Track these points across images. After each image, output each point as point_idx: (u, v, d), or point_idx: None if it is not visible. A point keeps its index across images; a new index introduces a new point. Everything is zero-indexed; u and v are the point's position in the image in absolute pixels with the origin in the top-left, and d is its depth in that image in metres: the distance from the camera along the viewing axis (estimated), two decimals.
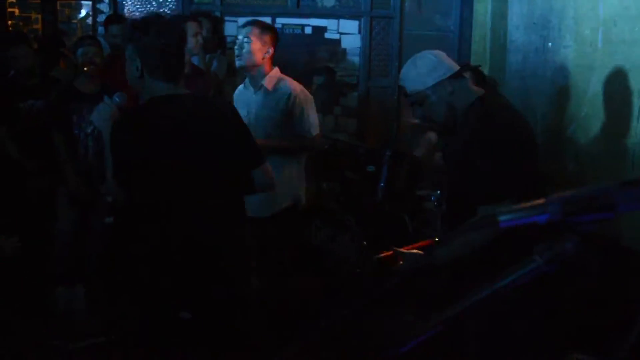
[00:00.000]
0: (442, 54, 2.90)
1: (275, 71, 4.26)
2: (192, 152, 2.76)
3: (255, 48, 4.13)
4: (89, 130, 4.92)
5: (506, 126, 2.71)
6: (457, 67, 2.86)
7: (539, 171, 2.84)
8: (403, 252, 2.85)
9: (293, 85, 4.24)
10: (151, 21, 2.85)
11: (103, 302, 4.89)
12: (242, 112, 4.06)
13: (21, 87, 5.27)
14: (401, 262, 2.84)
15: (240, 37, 4.19)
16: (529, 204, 0.83)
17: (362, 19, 6.70)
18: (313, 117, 4.29)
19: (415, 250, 2.85)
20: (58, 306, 4.89)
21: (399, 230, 5.06)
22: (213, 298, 2.80)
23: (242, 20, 6.48)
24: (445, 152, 3.26)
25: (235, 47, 4.22)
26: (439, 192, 4.84)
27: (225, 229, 2.86)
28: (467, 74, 2.98)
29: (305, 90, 4.33)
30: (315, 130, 4.30)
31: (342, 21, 6.68)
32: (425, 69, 2.81)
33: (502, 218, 0.85)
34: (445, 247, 2.75)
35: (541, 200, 0.82)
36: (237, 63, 4.22)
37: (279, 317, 4.46)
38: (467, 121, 2.77)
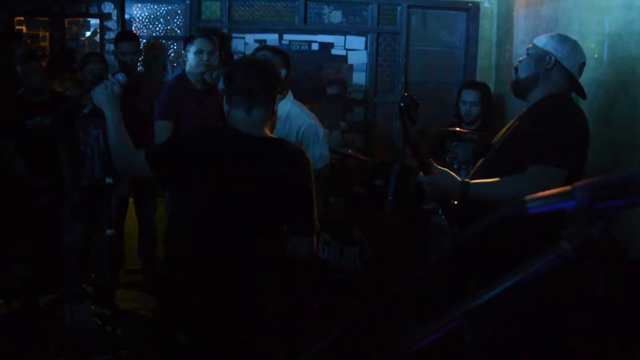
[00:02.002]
0: (581, 54, 3.07)
1: (287, 97, 4.25)
2: (225, 194, 2.69)
3: None
4: (95, 146, 4.93)
5: (580, 122, 2.96)
6: (576, 70, 3.04)
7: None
8: (439, 169, 2.97)
9: (303, 117, 4.24)
10: (240, 65, 2.92)
11: (110, 319, 4.87)
12: None
13: (30, 103, 5.29)
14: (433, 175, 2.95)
15: None
16: (556, 190, 0.85)
17: (369, 35, 6.73)
18: (322, 149, 4.32)
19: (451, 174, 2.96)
20: (65, 323, 4.88)
21: (407, 244, 5.07)
22: (217, 322, 2.72)
23: (249, 37, 6.55)
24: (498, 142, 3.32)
25: None
26: None
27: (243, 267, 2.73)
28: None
29: (316, 121, 4.32)
30: (322, 162, 4.32)
31: (348, 37, 6.70)
32: (557, 39, 3.05)
33: (530, 204, 0.86)
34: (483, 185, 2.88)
35: (569, 187, 0.83)
36: None
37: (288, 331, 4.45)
38: (538, 108, 3.02)
